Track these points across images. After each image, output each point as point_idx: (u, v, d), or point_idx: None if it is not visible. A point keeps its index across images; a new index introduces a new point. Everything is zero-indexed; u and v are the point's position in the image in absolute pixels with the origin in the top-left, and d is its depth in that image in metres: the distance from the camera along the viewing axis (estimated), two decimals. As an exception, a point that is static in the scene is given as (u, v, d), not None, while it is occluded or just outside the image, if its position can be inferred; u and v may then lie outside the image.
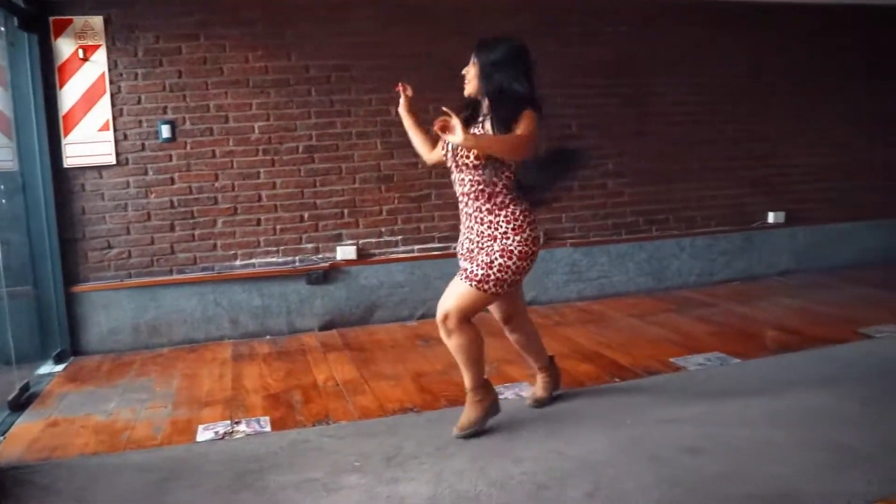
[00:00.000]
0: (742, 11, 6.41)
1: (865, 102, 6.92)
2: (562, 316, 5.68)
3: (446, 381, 4.29)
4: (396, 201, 5.66)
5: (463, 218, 3.45)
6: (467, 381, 3.44)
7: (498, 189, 3.31)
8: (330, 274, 5.57)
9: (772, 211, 6.66)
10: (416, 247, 5.74)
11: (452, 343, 3.36)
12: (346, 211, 5.61)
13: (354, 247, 5.62)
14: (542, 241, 3.71)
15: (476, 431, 3.42)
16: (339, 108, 5.54)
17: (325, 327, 5.57)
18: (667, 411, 3.63)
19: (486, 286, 3.28)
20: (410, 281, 5.70)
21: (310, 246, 5.57)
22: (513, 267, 3.28)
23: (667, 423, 3.47)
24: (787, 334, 4.94)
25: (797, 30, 6.62)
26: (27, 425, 3.88)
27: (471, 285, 3.28)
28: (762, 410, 3.57)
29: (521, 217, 3.30)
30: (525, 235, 3.29)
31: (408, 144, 5.42)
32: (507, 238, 3.29)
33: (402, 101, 3.74)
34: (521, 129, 3.15)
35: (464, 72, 3.37)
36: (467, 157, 3.30)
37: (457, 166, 3.38)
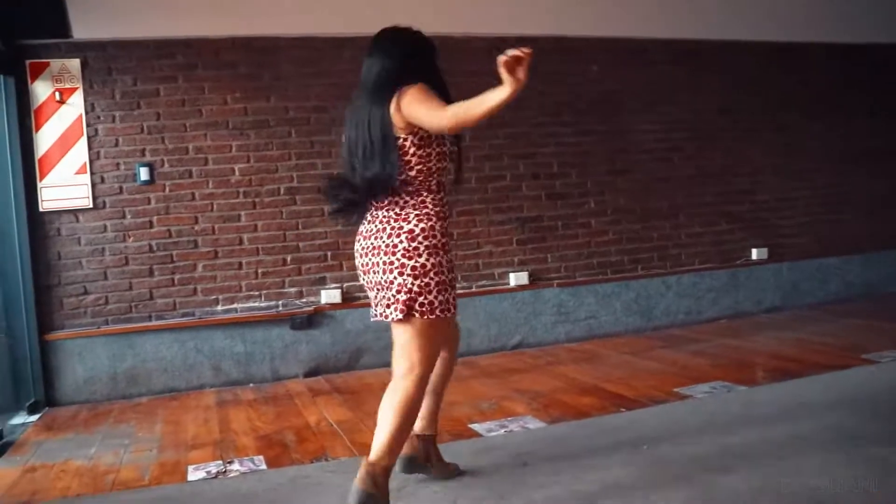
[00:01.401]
0: (714, 48, 6.49)
1: (846, 137, 7.01)
2: (553, 356, 5.53)
3: (446, 416, 4.07)
4: (382, 243, 5.54)
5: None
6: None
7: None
8: (314, 318, 5.39)
9: (755, 248, 6.65)
10: (403, 288, 5.59)
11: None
12: (329, 254, 5.46)
13: (339, 290, 5.46)
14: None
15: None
16: (320, 150, 5.44)
17: (311, 373, 5.36)
18: (683, 435, 3.50)
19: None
20: (397, 324, 5.54)
21: (293, 290, 5.40)
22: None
23: (687, 446, 3.34)
24: (788, 362, 4.85)
25: (774, 66, 6.72)
26: (3, 471, 3.63)
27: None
28: (785, 430, 3.45)
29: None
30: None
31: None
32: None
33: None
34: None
35: None
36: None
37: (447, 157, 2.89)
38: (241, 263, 5.30)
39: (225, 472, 3.45)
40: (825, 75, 6.94)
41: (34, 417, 4.68)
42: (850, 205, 7.06)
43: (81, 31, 4.93)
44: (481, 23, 5.65)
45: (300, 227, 5.40)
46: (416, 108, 2.66)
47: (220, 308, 5.26)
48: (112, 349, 5.04)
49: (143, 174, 5.09)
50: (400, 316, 2.70)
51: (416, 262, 2.69)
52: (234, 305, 5.29)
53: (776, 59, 6.73)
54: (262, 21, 5.21)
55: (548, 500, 2.84)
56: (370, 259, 2.79)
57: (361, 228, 2.88)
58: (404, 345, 2.78)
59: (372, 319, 2.91)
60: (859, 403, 3.81)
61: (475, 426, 3.90)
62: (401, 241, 2.71)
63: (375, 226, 2.80)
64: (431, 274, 2.70)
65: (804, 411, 3.73)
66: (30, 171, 4.89)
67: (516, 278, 5.87)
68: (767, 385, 4.35)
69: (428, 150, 2.78)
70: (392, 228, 2.74)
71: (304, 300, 5.41)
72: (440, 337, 2.83)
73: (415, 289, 2.68)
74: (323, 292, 5.43)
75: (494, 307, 5.80)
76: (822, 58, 6.92)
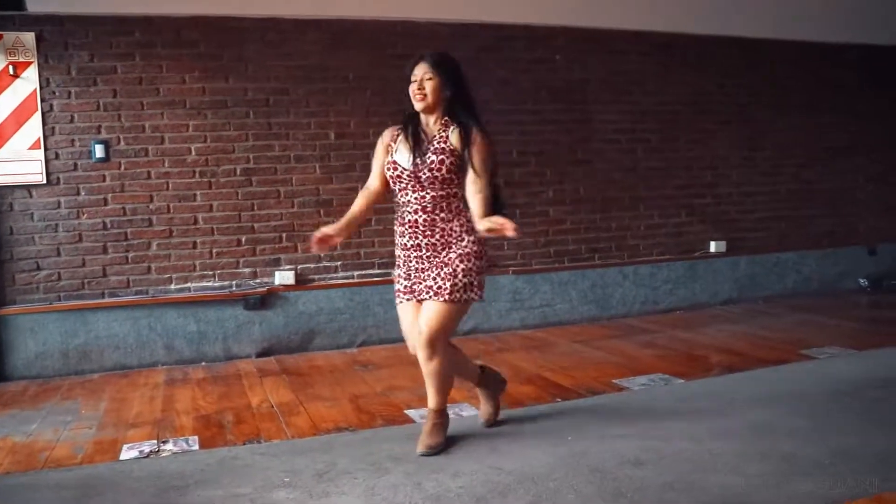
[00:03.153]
0: (684, 42, 6.52)
1: (809, 134, 7.09)
2: (504, 343, 5.60)
3: (384, 401, 4.18)
4: (336, 226, 5.56)
5: (406, 239, 3.35)
6: (437, 402, 3.40)
7: (457, 197, 3.30)
8: (268, 299, 5.43)
9: (713, 240, 6.72)
10: (356, 272, 5.64)
11: (433, 366, 3.31)
12: (284, 235, 5.49)
13: (293, 272, 5.50)
14: None
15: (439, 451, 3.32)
16: (278, 132, 5.45)
17: (263, 354, 5.41)
18: (609, 428, 3.56)
19: (457, 296, 3.22)
20: (350, 307, 5.58)
21: (247, 270, 5.44)
22: (474, 268, 3.26)
23: (609, 439, 3.40)
24: (732, 356, 4.94)
25: (740, 61, 6.77)
26: (-62, 446, 3.67)
27: (445, 300, 3.21)
28: (708, 426, 3.53)
29: (470, 220, 3.24)
30: (477, 236, 3.25)
31: (347, 169, 5.46)
32: (462, 240, 3.27)
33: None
34: (478, 151, 3.23)
35: (416, 86, 3.26)
36: (439, 171, 3.23)
37: (419, 184, 3.27)
38: (195, 243, 5.32)
39: (158, 451, 3.49)
40: (793, 72, 7.00)
41: (-19, 392, 4.72)
42: (812, 201, 7.15)
43: (37, 4, 4.89)
44: (447, 9, 5.66)
45: (255, 208, 5.43)
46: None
47: (173, 287, 5.29)
48: (64, 325, 5.07)
49: (99, 151, 5.09)
50: None
51: None
52: (188, 284, 5.32)
53: (745, 54, 6.78)
54: (225, 0, 5.20)
55: (461, 489, 2.90)
56: None
57: None
58: None
59: None
60: (786, 399, 3.89)
61: (410, 412, 3.96)
62: None
63: None
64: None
65: (731, 407, 3.81)
66: (-18, 144, 4.89)
67: (472, 265, 5.89)
68: (704, 379, 4.42)
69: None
70: None
71: (257, 281, 5.45)
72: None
73: None
74: (277, 273, 5.47)
75: (449, 293, 5.83)
76: (789, 55, 6.97)
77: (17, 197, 5.00)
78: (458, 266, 3.24)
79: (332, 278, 5.62)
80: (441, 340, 3.26)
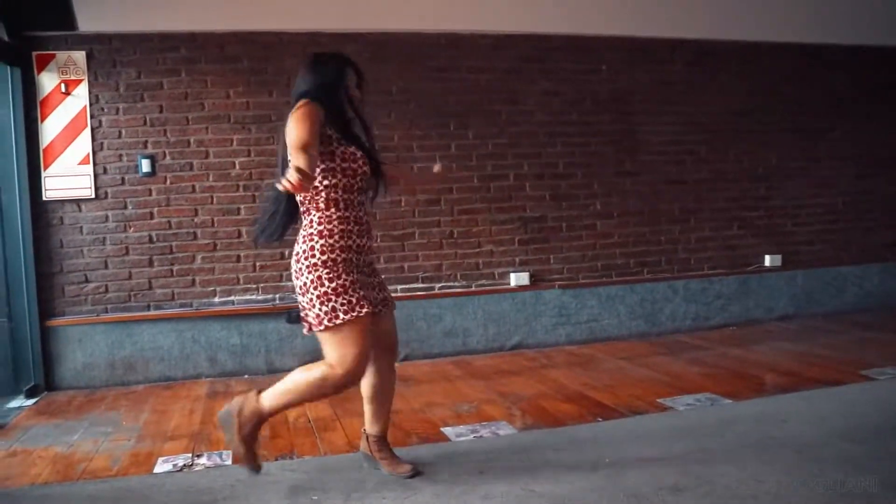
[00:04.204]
0: (733, 49, 6.35)
1: (867, 142, 6.81)
2: (548, 359, 5.49)
3: (421, 418, 4.13)
4: (379, 240, 5.50)
5: (363, 240, 3.06)
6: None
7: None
8: (311, 313, 5.42)
9: (768, 254, 6.51)
10: (399, 286, 5.60)
11: None
12: (328, 248, 5.48)
13: (337, 285, 5.48)
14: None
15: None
16: (322, 145, 5.46)
17: (306, 367, 5.40)
18: (650, 450, 3.45)
19: None
20: (394, 321, 5.55)
21: (290, 284, 5.43)
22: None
23: (649, 462, 3.29)
24: (784, 376, 4.75)
25: (791, 68, 6.56)
26: (-16, 455, 3.74)
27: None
28: (753, 449, 3.39)
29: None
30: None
31: (391, 183, 5.38)
32: None
33: None
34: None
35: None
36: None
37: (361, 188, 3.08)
38: (239, 256, 5.36)
39: (191, 465, 3.50)
40: (848, 78, 6.75)
41: (31, 401, 4.80)
42: (871, 212, 6.87)
43: (87, 23, 5.02)
44: (489, 20, 5.62)
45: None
46: (288, 132, 2.84)
47: (217, 300, 5.33)
48: (111, 337, 5.15)
49: (145, 166, 5.17)
50: (305, 331, 3.00)
51: (299, 281, 2.96)
52: (232, 297, 5.35)
53: (796, 61, 6.57)
54: (266, 16, 5.25)
55: (490, 512, 2.83)
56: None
57: None
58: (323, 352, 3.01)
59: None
60: (839, 423, 3.71)
61: (447, 430, 3.89)
62: (294, 262, 2.98)
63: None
64: (311, 289, 2.89)
65: (780, 430, 3.66)
66: (34, 160, 4.99)
67: (517, 278, 5.83)
68: (752, 400, 4.25)
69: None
70: (295, 249, 3.02)
71: (301, 294, 5.45)
72: (350, 341, 2.91)
73: (304, 304, 2.94)
74: (320, 287, 5.45)
75: (493, 307, 5.77)
76: (845, 60, 6.73)
77: (66, 211, 5.10)
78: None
79: (375, 292, 5.59)
80: None
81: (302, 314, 3.01)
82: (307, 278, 2.91)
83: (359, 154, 3.03)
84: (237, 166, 5.33)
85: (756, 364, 5.09)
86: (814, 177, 6.68)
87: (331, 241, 2.92)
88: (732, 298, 6.43)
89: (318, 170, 2.90)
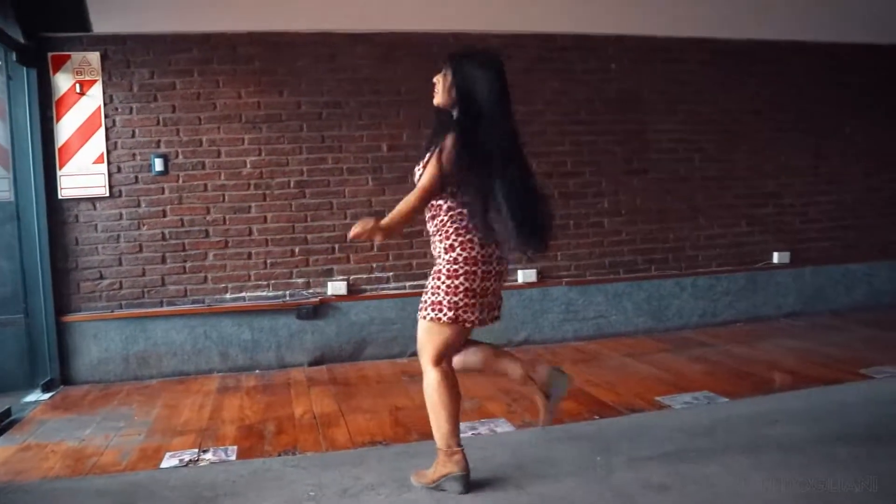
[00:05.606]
0: (740, 49, 6.36)
1: (876, 140, 6.81)
2: (554, 355, 5.56)
3: (423, 415, 4.14)
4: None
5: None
6: (435, 437, 3.18)
7: (440, 213, 3.09)
8: (320, 309, 5.54)
9: (776, 251, 6.53)
10: (408, 283, 5.69)
11: (424, 388, 3.16)
12: (336, 246, 5.59)
13: (345, 282, 5.59)
14: (492, 263, 3.07)
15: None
16: (331, 144, 5.56)
17: (315, 363, 5.52)
18: (641, 449, 3.51)
19: (425, 313, 3.10)
20: (402, 318, 5.63)
21: (300, 281, 5.55)
22: (443, 287, 3.02)
23: (639, 461, 3.36)
24: (784, 374, 4.80)
25: (800, 67, 6.56)
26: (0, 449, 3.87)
27: (420, 317, 3.14)
28: (742, 448, 3.45)
29: (454, 237, 3.03)
30: (454, 255, 3.01)
31: (399, 181, 5.48)
32: (440, 258, 3.08)
33: None
34: (434, 159, 3.00)
35: (435, 80, 3.22)
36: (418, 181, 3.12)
37: None
38: (250, 253, 5.47)
39: (197, 460, 3.62)
40: (859, 76, 6.74)
41: (47, 396, 4.94)
42: (881, 209, 6.86)
43: (101, 24, 5.14)
44: (499, 20, 5.67)
45: (309, 219, 5.54)
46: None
47: (228, 296, 5.45)
48: (125, 332, 5.28)
49: (158, 165, 5.29)
50: None
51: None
52: (243, 294, 5.47)
53: (806, 59, 6.57)
54: (277, 17, 5.33)
55: (479, 510, 2.92)
56: None
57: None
58: None
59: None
60: (830, 422, 3.76)
61: (446, 427, 3.97)
62: None
63: None
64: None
65: (772, 428, 3.71)
66: (50, 159, 5.13)
67: (524, 275, 5.90)
68: (750, 398, 4.30)
69: None
70: None
71: (310, 291, 5.56)
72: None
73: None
74: (329, 284, 5.57)
75: (500, 303, 5.83)
76: (859, 59, 6.72)
77: (82, 209, 5.23)
78: (429, 283, 3.10)
79: (383, 289, 5.69)
80: (425, 359, 3.13)
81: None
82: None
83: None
84: (248, 165, 5.44)
85: (758, 362, 5.13)
86: (823, 174, 6.68)
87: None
88: (740, 295, 6.45)
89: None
